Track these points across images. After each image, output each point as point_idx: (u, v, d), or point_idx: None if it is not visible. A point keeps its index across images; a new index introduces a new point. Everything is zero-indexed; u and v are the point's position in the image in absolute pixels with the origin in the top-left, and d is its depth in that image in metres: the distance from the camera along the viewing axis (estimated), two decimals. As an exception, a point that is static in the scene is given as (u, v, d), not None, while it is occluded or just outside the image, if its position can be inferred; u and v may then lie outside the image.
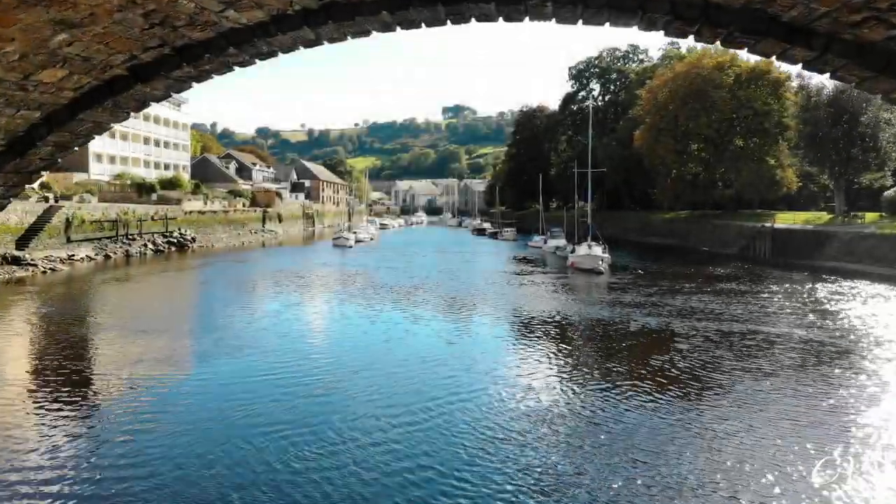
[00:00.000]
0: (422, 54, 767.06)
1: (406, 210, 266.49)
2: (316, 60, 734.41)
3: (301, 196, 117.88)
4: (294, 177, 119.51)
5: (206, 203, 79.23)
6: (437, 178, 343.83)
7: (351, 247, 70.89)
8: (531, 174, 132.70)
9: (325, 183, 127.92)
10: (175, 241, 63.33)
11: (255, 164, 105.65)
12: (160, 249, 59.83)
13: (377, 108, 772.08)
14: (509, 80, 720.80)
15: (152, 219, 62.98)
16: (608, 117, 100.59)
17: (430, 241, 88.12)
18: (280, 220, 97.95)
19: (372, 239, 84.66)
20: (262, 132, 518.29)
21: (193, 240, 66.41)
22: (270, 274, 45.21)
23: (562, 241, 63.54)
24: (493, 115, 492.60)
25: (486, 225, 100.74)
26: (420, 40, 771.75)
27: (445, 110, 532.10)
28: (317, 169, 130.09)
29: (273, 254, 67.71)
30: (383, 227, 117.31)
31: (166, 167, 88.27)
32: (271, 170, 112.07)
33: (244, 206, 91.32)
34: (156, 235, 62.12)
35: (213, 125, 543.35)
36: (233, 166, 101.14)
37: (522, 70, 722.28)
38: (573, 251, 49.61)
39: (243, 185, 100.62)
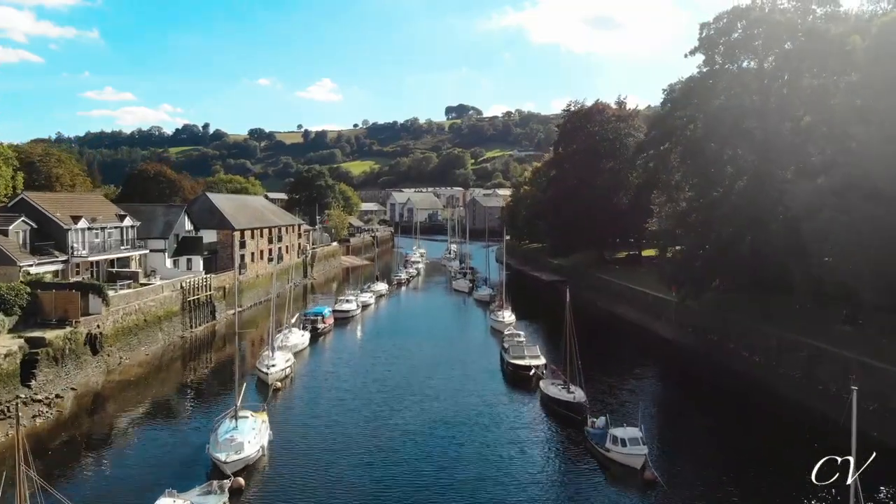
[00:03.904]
0: (424, 51, 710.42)
1: (399, 228, 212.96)
2: (315, 59, 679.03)
3: (196, 262, 63.68)
4: (185, 226, 64.94)
5: None
6: (439, 187, 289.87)
7: None
8: (582, 202, 78.68)
9: (249, 233, 73.33)
10: None
11: (77, 220, 51.10)
12: None
13: (377, 108, 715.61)
14: (515, 79, 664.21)
15: None
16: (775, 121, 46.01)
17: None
18: (96, 350, 43.71)
19: None
20: (255, 133, 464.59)
21: None
22: None
23: None
24: (500, 115, 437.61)
25: (557, 387, 37.54)
26: (422, 36, 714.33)
27: (449, 110, 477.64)
28: (235, 206, 74.52)
29: None
30: (340, 316, 62.89)
31: None
32: (126, 222, 57.19)
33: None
34: None
35: (206, 126, 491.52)
36: (19, 230, 47.01)
37: (528, 69, 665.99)
38: None
39: (40, 267, 46.74)
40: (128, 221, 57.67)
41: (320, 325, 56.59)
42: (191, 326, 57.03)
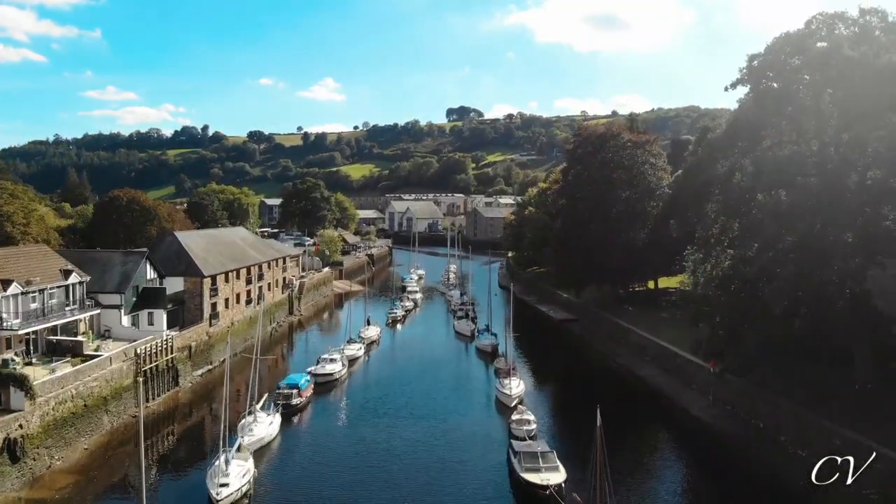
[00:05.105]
0: (427, 50, 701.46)
1: (398, 238, 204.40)
2: (318, 58, 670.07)
3: (158, 317, 55.37)
4: (146, 275, 56.45)
5: None
6: (440, 193, 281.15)
7: None
8: (595, 235, 71.10)
9: (223, 276, 64.52)
10: None
11: (7, 285, 42.68)
12: None
13: (379, 110, 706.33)
14: (518, 79, 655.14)
15: None
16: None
17: None
18: (17, 457, 35.46)
19: None
20: (255, 136, 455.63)
21: None
22: None
23: None
24: (501, 117, 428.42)
25: None
26: (425, 35, 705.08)
27: (450, 112, 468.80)
28: (207, 245, 65.66)
29: None
30: (323, 381, 54.51)
31: None
32: (72, 279, 48.76)
33: None
34: None
35: (205, 128, 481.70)
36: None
37: (532, 69, 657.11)
38: None
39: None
40: (74, 278, 49.23)
41: (295, 401, 48.02)
42: (147, 399, 48.63)
